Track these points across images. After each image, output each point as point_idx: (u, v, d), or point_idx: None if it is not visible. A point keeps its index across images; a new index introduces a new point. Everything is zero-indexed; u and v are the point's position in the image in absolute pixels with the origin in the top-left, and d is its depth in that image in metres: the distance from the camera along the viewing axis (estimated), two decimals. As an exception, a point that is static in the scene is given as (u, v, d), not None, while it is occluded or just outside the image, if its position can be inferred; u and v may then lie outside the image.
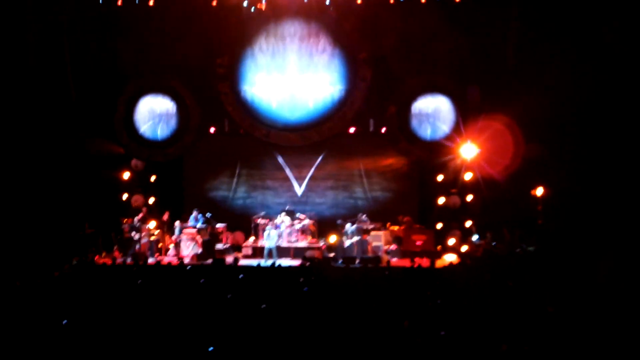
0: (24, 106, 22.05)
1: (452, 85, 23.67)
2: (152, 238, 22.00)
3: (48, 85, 22.73)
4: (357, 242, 21.69)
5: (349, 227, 22.05)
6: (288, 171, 24.76)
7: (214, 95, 24.46)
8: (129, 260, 21.11)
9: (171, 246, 22.43)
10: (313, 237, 23.06)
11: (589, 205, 20.32)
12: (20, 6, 21.92)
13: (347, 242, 21.73)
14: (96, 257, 21.42)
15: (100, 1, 23.36)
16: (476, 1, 22.63)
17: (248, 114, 24.55)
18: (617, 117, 20.42)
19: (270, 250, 21.82)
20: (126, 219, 22.26)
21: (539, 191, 21.93)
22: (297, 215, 23.23)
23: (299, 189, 24.67)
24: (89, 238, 21.78)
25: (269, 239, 22.01)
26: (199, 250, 21.84)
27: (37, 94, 22.38)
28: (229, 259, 20.75)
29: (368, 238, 21.88)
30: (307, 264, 20.02)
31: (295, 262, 20.90)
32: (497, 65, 22.68)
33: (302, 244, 22.57)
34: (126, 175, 23.81)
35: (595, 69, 20.47)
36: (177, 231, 22.37)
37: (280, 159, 24.80)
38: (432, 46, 23.35)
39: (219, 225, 22.97)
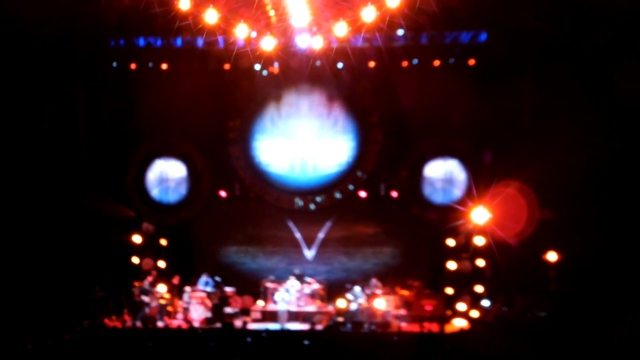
0: (37, 169, 22.15)
1: (464, 149, 23.70)
2: (162, 302, 21.89)
3: (61, 148, 22.87)
4: (365, 306, 21.51)
5: (356, 290, 21.89)
6: (298, 235, 24.67)
7: (225, 159, 24.62)
8: (138, 323, 21.02)
9: (180, 310, 22.30)
10: (322, 301, 22.82)
11: (603, 270, 20.15)
12: (34, 69, 22.11)
13: (354, 306, 21.55)
14: (106, 320, 21.34)
15: (114, 64, 23.69)
16: (490, 64, 22.66)
17: (259, 178, 24.67)
18: (634, 181, 20.31)
19: (282, 314, 21.68)
20: (137, 283, 22.25)
21: (552, 256, 21.71)
22: (306, 279, 23.05)
23: (309, 253, 24.57)
24: (100, 301, 21.63)
25: (281, 302, 21.91)
26: (209, 314, 21.71)
27: (51, 156, 22.51)
28: (238, 323, 20.71)
29: (377, 303, 21.66)
30: (316, 328, 19.90)
31: (304, 327, 20.81)
32: (511, 128, 22.58)
33: (311, 308, 22.37)
34: (137, 238, 23.79)
35: (612, 132, 20.41)
36: (186, 295, 22.28)
37: (290, 223, 24.74)
38: (445, 109, 23.54)
39: (229, 289, 22.78)
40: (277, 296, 22.20)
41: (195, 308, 22.04)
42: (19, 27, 20.03)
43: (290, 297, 22.30)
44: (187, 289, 22.42)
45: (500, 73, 22.43)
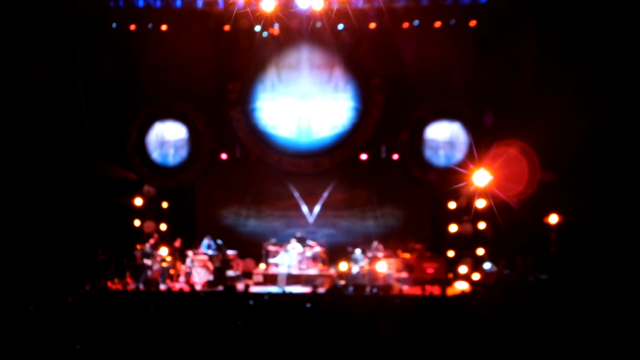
0: (37, 132, 22.08)
1: (466, 111, 23.56)
2: (164, 264, 21.90)
3: (61, 110, 22.75)
4: (367, 269, 21.54)
5: (358, 253, 21.91)
6: (299, 198, 24.65)
7: (225, 121, 24.47)
8: (141, 286, 21.08)
9: (182, 273, 22.34)
10: (324, 264, 22.88)
11: (604, 232, 20.16)
12: (33, 32, 21.97)
13: (355, 269, 21.59)
14: (109, 283, 21.40)
15: (114, 25, 23.49)
16: (491, 25, 22.53)
17: (260, 140, 24.54)
18: (636, 142, 20.26)
19: (284, 277, 21.71)
20: (138, 246, 22.26)
21: (553, 218, 21.72)
22: (308, 242, 23.08)
23: (310, 216, 24.57)
24: (102, 264, 21.68)
25: (283, 265, 21.96)
26: (210, 277, 21.76)
27: (50, 119, 22.41)
28: (240, 285, 20.75)
29: (379, 266, 21.67)
30: (318, 291, 19.92)
31: (306, 290, 20.88)
32: (512, 90, 22.47)
33: (313, 271, 22.43)
34: (138, 201, 23.80)
35: (613, 93, 20.31)
36: (188, 258, 22.30)
37: (291, 186, 24.71)
38: (446, 71, 23.35)
39: (230, 252, 22.83)
40: (279, 259, 22.27)
41: (197, 271, 22.11)
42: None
43: (292, 260, 22.35)
44: (189, 252, 22.45)
45: (501, 34, 22.34)
